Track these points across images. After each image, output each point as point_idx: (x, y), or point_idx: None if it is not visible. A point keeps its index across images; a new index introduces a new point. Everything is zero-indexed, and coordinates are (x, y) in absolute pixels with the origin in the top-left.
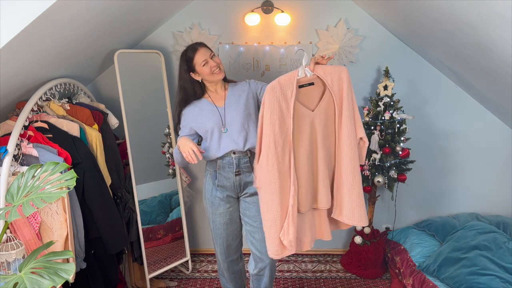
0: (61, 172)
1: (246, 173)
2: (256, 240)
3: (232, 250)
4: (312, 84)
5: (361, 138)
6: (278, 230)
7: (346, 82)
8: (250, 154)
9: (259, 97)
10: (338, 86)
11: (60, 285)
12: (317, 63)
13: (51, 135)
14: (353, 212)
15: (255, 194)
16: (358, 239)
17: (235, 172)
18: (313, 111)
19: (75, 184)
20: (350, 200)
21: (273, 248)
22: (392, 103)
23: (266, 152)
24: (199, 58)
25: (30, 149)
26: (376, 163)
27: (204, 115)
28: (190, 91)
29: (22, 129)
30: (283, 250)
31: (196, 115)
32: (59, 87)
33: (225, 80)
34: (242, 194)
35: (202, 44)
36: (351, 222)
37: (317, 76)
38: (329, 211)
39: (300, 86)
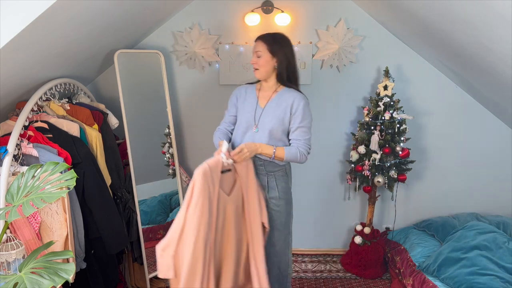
0: (61, 172)
1: (261, 175)
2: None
3: None
4: (229, 170)
5: (263, 223)
6: None
7: (252, 172)
8: (264, 160)
9: (290, 122)
10: (247, 174)
11: (60, 285)
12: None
13: (51, 135)
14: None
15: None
16: (358, 239)
17: None
18: (229, 195)
19: (75, 184)
20: (256, 278)
21: None
22: (392, 103)
23: (194, 237)
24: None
25: (30, 149)
26: (376, 163)
27: (245, 105)
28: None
29: (22, 129)
30: None
31: (241, 100)
32: (59, 87)
33: (282, 82)
34: None
35: (261, 38)
36: None
37: (233, 164)
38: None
39: (222, 172)
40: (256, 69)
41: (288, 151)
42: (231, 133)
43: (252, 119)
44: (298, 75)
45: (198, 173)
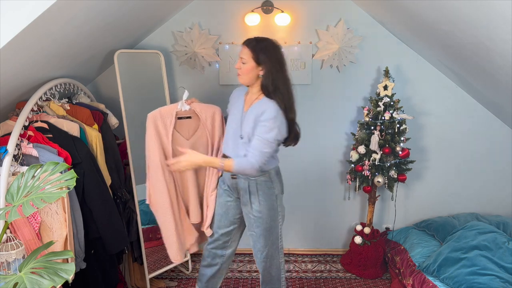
0: (61, 172)
1: (242, 179)
2: (253, 248)
3: (219, 245)
4: (189, 117)
5: None
6: (175, 239)
7: (218, 120)
8: None
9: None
10: (211, 122)
11: (60, 285)
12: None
13: (51, 135)
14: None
15: (246, 203)
16: (358, 239)
17: (231, 175)
18: (188, 140)
19: (75, 184)
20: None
21: (173, 254)
22: (392, 103)
23: (155, 173)
24: None
25: (30, 149)
26: (376, 163)
27: (234, 110)
28: None
29: (22, 129)
30: (181, 256)
31: (232, 102)
32: (59, 87)
33: (267, 94)
34: (240, 198)
35: (246, 43)
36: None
37: (194, 112)
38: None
39: (179, 118)
40: (239, 74)
41: (238, 163)
42: None
43: (238, 125)
44: (287, 87)
45: (148, 117)
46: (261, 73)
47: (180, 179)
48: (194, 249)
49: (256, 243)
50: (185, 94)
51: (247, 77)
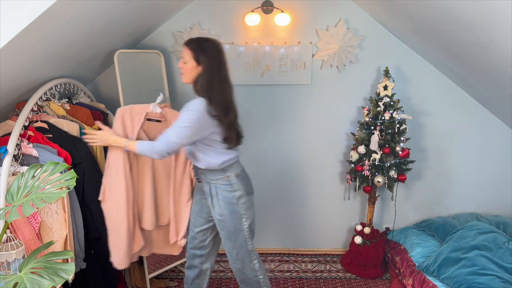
0: (61, 172)
1: (204, 183)
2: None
3: (196, 244)
4: (159, 121)
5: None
6: (126, 242)
7: None
8: (203, 168)
9: None
10: None
11: (60, 285)
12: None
13: (51, 135)
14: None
15: (210, 206)
16: (358, 239)
17: (196, 179)
18: None
19: (75, 184)
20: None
21: (119, 258)
22: (392, 103)
23: (116, 170)
24: None
25: (30, 149)
26: (376, 163)
27: None
28: None
29: (22, 129)
30: (128, 261)
31: None
32: (59, 87)
33: (198, 93)
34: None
35: (187, 44)
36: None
37: (165, 116)
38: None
39: (149, 120)
40: (182, 73)
41: (140, 145)
42: None
43: None
44: (225, 88)
45: (118, 110)
46: (200, 72)
47: (137, 181)
48: (136, 258)
49: (224, 245)
50: (159, 97)
51: (189, 76)
